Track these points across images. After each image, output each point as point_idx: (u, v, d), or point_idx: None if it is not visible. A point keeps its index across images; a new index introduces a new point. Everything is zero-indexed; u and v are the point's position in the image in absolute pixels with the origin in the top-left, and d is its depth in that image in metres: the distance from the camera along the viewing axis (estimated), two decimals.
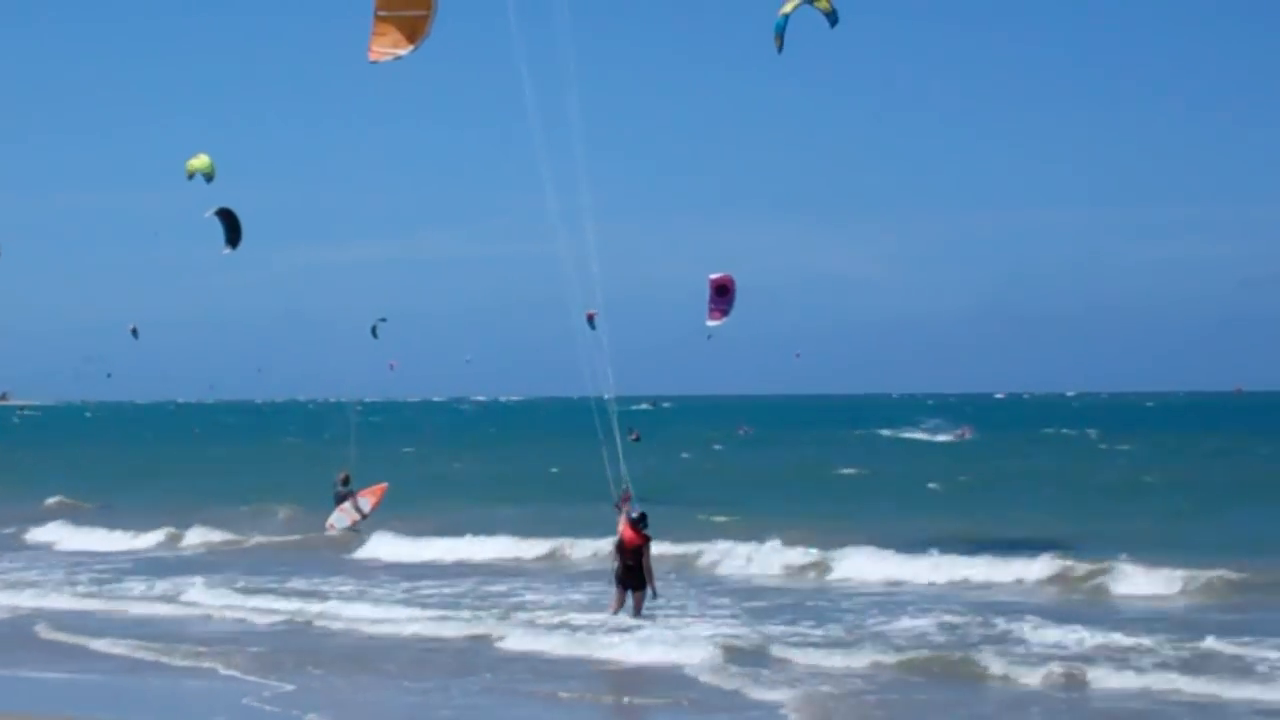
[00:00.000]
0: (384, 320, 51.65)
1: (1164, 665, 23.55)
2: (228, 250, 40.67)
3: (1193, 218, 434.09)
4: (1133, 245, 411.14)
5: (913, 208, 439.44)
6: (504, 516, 47.79)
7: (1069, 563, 34.07)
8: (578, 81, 26.56)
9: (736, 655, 25.07)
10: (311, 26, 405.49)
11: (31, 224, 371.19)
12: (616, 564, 29.55)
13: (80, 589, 35.12)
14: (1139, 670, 23.15)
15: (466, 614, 30.33)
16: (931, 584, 33.65)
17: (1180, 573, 32.30)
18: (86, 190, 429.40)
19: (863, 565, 35.51)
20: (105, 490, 63.09)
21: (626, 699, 23.15)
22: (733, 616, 29.36)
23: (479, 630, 28.44)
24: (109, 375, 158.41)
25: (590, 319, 35.83)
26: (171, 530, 46.05)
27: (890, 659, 24.31)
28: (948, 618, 28.21)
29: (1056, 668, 23.04)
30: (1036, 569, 34.01)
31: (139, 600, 33.46)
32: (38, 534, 47.64)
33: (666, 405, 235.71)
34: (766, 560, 36.99)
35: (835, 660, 24.52)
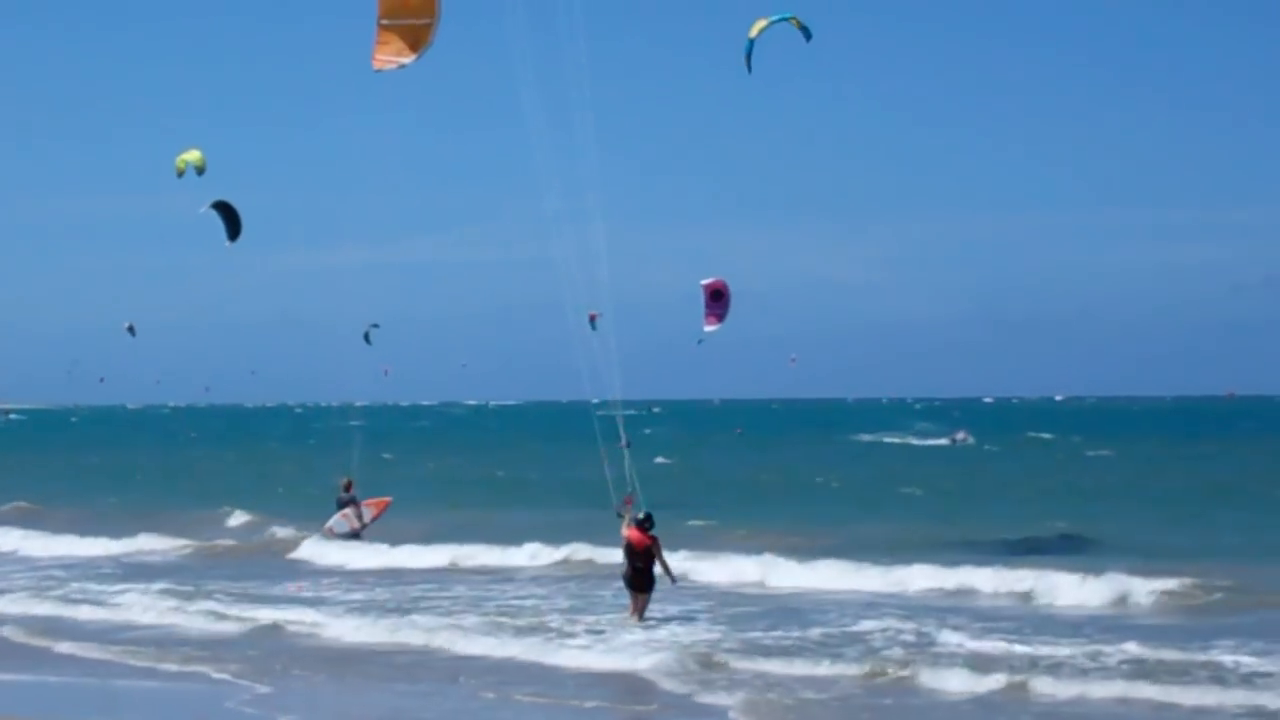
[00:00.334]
0: (377, 326, 51.83)
1: (1101, 672, 23.66)
2: (229, 243, 40.75)
3: (1185, 222, 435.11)
4: (1125, 249, 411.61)
5: (904, 212, 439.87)
6: (463, 520, 48.24)
7: (1022, 572, 33.86)
8: (588, 84, 26.78)
9: (691, 661, 25.06)
10: (304, 32, 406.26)
11: (24, 227, 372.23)
12: (625, 568, 29.81)
13: (27, 594, 34.97)
14: (1080, 678, 23.19)
15: (420, 619, 30.20)
16: (896, 593, 33.37)
17: (1140, 580, 32.14)
18: (79, 194, 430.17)
19: (834, 573, 35.32)
20: (72, 495, 63.26)
21: (576, 703, 23.08)
22: (690, 622, 29.25)
23: (430, 637, 28.31)
24: (101, 380, 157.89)
25: (592, 320, 36.01)
26: (125, 536, 45.83)
27: (843, 669, 24.31)
28: (907, 625, 28.16)
29: (1001, 677, 23.10)
30: (993, 578, 33.79)
31: (80, 605, 33.31)
32: None
33: (657, 410, 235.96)
34: (737, 567, 36.69)
35: (792, 669, 24.56)
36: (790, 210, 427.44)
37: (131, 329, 60.83)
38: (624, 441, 30.39)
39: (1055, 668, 24.02)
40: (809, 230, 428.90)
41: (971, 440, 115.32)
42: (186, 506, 56.00)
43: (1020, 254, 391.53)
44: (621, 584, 30.01)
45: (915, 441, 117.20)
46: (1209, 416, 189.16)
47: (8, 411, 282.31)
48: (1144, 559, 36.19)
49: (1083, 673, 23.65)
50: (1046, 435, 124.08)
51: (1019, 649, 25.54)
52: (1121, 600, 31.54)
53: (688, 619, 29.57)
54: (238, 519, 51.90)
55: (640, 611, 29.39)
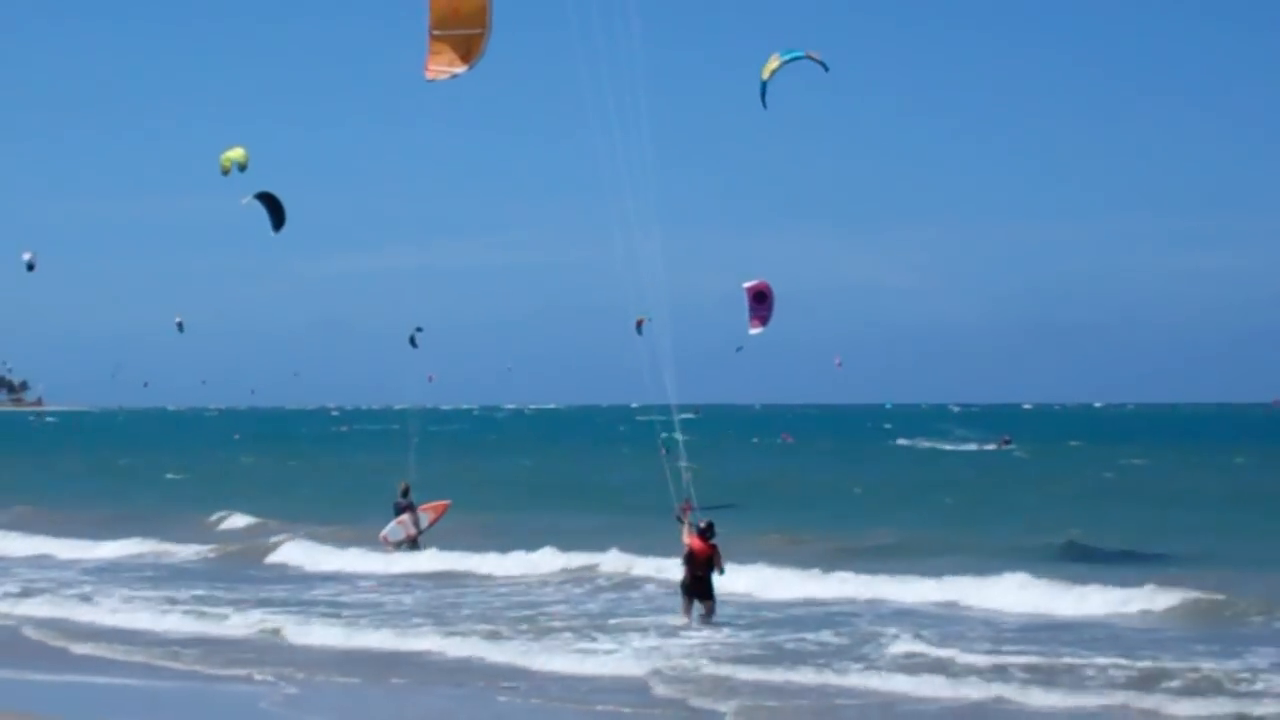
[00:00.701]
0: (420, 330, 52.03)
1: (1084, 682, 23.62)
2: (275, 233, 40.93)
3: (1229, 228, 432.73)
4: (1166, 255, 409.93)
5: (944, 218, 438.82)
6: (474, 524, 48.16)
7: (1024, 578, 33.38)
8: (645, 89, 26.92)
9: (686, 668, 25.12)
10: (350, 35, 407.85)
11: (68, 230, 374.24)
12: (685, 574, 30.02)
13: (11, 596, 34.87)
14: (1063, 688, 23.07)
15: (409, 623, 30.32)
16: (891, 600, 33.19)
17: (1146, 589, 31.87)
18: (122, 197, 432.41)
19: (843, 584, 34.88)
20: (81, 497, 63.91)
21: (572, 705, 23.16)
22: (697, 630, 29.06)
23: (422, 640, 28.38)
24: (146, 384, 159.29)
25: (639, 325, 36.26)
26: (114, 539, 45.91)
27: (832, 679, 24.25)
28: (905, 634, 27.84)
29: (989, 687, 23.11)
30: (999, 587, 33.53)
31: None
32: None
33: (693, 415, 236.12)
34: (749, 577, 35.71)
35: (783, 676, 24.50)
36: (829, 216, 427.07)
37: (181, 325, 61.28)
38: (664, 450, 30.63)
39: (1045, 677, 23.93)
40: (847, 236, 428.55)
41: (1013, 446, 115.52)
42: (188, 509, 56.19)
43: (1061, 259, 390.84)
44: (636, 587, 30.73)
45: (961, 447, 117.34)
46: (1249, 424, 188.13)
47: (43, 414, 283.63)
48: (1150, 568, 36.18)
49: (1070, 683, 23.50)
50: (1074, 443, 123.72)
51: (1017, 659, 25.35)
52: (1119, 609, 31.30)
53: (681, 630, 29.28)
54: (236, 522, 51.85)
55: (709, 614, 29.57)
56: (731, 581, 32.15)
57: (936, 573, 34.81)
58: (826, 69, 34.25)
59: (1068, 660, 25.18)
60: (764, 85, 34.05)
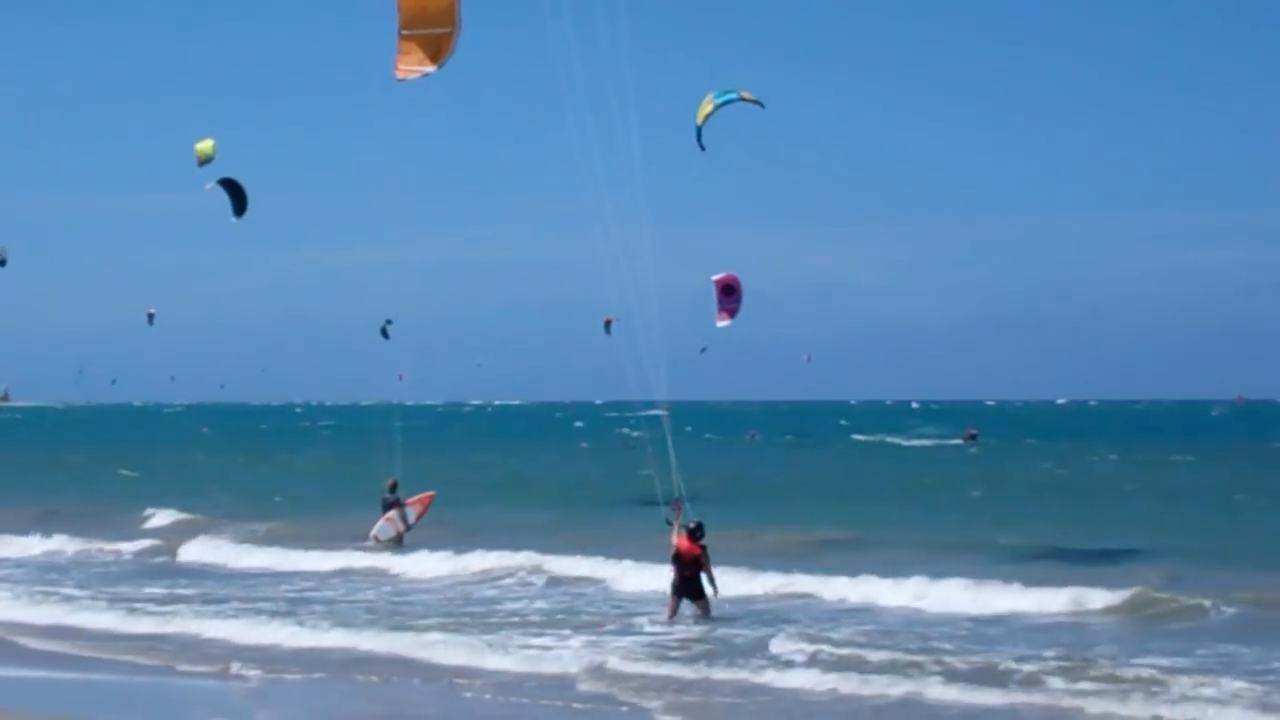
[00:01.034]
0: (390, 322, 52.11)
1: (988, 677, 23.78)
2: (236, 219, 40.98)
3: (1195, 225, 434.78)
4: (1134, 252, 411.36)
5: (911, 213, 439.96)
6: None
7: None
8: (630, 87, 27.07)
9: (615, 666, 25.13)
10: (316, 34, 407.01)
11: (33, 226, 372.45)
12: (674, 575, 30.09)
13: None
14: (975, 686, 23.10)
15: (345, 621, 30.33)
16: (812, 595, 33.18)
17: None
18: (93, 192, 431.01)
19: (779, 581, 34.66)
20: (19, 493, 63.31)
21: (504, 698, 23.34)
22: (619, 631, 28.97)
23: (355, 637, 28.42)
24: (113, 381, 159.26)
25: (607, 325, 36.47)
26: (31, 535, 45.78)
27: (755, 676, 24.33)
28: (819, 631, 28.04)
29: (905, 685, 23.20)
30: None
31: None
32: None
33: (660, 413, 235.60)
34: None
35: (717, 674, 24.64)
36: (793, 213, 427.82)
37: (151, 316, 61.30)
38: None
39: (950, 673, 24.08)
40: (810, 233, 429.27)
41: (976, 439, 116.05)
42: (125, 505, 55.93)
43: (1026, 257, 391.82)
44: (596, 588, 30.55)
45: (914, 442, 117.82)
46: (1208, 420, 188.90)
47: (3, 409, 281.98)
48: (1079, 564, 36.62)
49: (983, 682, 23.60)
50: (1030, 440, 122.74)
51: (938, 657, 25.41)
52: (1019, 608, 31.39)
53: (623, 631, 29.21)
54: (161, 519, 51.45)
55: (705, 612, 29.56)
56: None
57: (867, 569, 34.76)
58: (762, 106, 34.49)
59: (986, 657, 25.35)
60: (699, 130, 34.30)
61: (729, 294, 38.52)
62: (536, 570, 37.39)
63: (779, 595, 33.28)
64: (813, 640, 26.93)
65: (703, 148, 34.38)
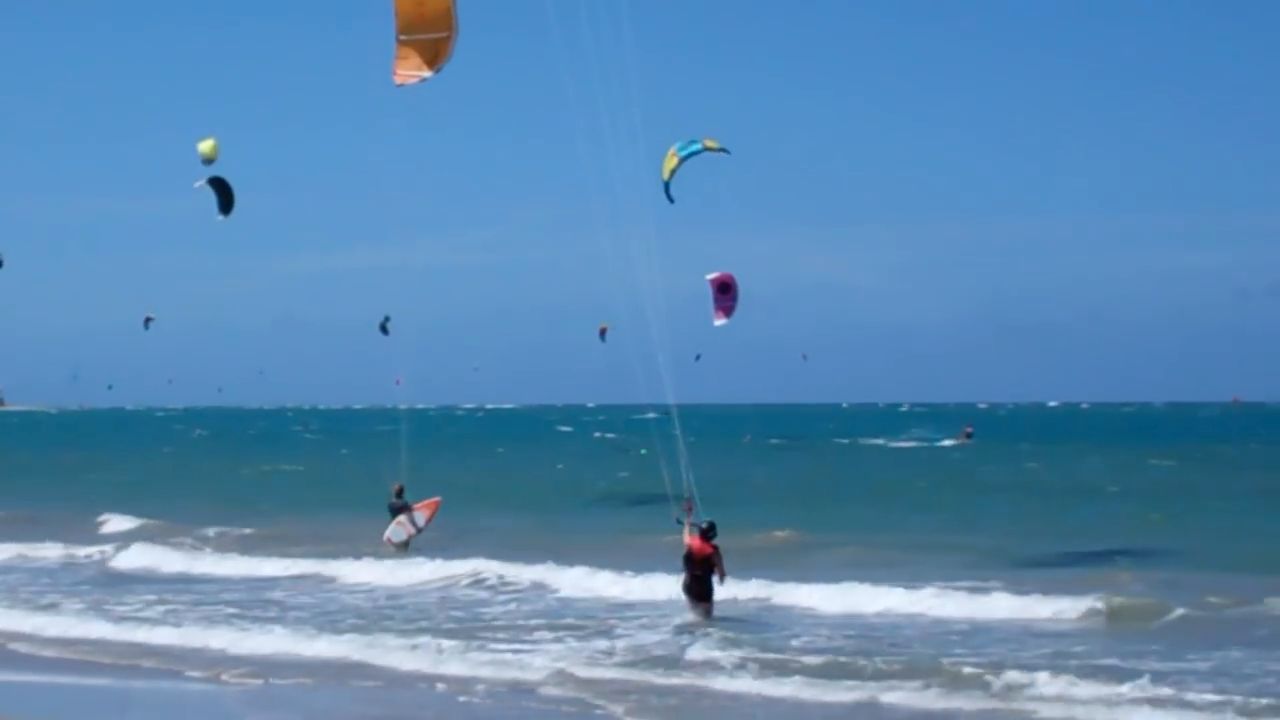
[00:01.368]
0: (389, 319, 52.05)
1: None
2: (221, 217, 41.10)
3: (1189, 227, 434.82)
4: (1129, 255, 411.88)
5: (904, 216, 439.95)
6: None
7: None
8: (638, 96, 27.15)
9: (578, 671, 25.16)
10: (315, 37, 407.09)
11: (37, 228, 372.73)
12: (685, 575, 30.05)
13: None
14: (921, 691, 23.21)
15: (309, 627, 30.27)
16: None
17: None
18: (89, 195, 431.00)
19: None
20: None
21: (463, 698, 23.48)
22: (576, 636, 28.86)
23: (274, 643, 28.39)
24: (110, 387, 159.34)
25: (602, 333, 36.48)
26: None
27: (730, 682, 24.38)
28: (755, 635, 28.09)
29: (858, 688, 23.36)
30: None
31: None
32: None
33: (651, 415, 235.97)
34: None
35: (686, 681, 24.68)
36: (789, 214, 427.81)
37: (148, 321, 61.27)
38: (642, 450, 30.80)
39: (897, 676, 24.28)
40: (803, 235, 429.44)
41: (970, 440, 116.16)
42: (81, 510, 55.92)
43: (1021, 260, 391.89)
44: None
45: (911, 444, 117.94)
46: (1202, 423, 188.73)
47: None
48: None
49: (946, 686, 23.65)
50: (1019, 444, 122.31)
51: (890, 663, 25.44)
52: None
53: (578, 635, 29.07)
54: (118, 525, 51.44)
55: (707, 614, 29.56)
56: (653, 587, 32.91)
57: (814, 575, 34.83)
58: (728, 153, 34.69)
59: (943, 661, 25.44)
60: (666, 184, 34.46)
61: (725, 292, 38.46)
62: (483, 576, 37.26)
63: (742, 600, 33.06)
64: (768, 648, 26.99)
65: (671, 200, 34.56)
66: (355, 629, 29.79)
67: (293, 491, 69.26)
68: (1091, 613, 30.56)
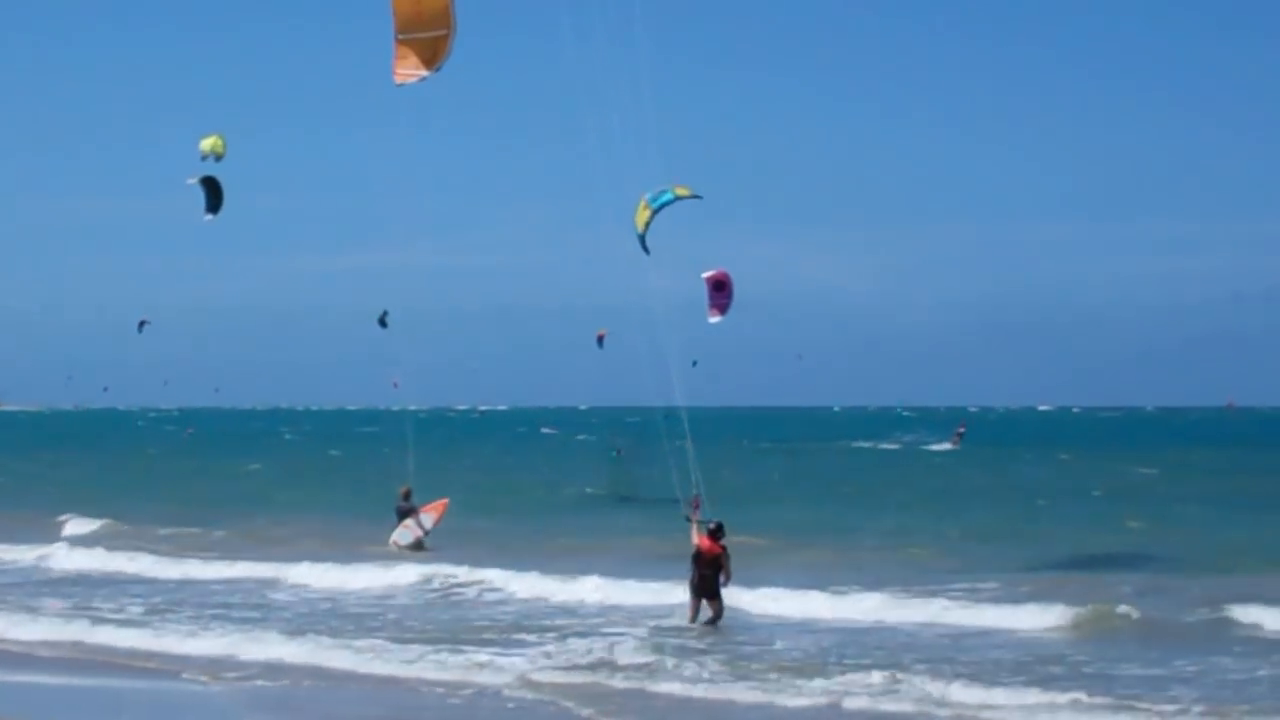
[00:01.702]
0: (388, 312, 52.04)
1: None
2: (208, 217, 41.22)
3: (1184, 232, 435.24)
4: (1122, 258, 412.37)
5: (896, 219, 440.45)
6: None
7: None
8: (653, 101, 27.25)
9: (531, 674, 25.08)
10: (308, 39, 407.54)
11: (31, 230, 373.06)
12: (693, 574, 30.18)
13: None
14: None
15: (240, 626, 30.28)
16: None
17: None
18: (85, 196, 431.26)
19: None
20: None
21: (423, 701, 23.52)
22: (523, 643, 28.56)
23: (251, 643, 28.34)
24: (105, 389, 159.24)
25: (600, 339, 36.56)
26: None
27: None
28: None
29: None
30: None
31: None
32: None
33: (633, 419, 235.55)
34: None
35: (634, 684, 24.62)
36: (783, 217, 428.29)
37: (143, 324, 61.36)
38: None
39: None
40: (793, 238, 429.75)
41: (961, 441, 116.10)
42: (45, 511, 55.70)
43: (1013, 263, 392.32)
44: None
45: (895, 447, 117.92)
46: (1194, 427, 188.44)
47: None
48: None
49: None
50: (999, 448, 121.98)
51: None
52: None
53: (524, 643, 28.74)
54: (76, 527, 50.99)
55: (716, 616, 29.67)
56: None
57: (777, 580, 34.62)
58: (700, 198, 34.86)
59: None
60: (641, 236, 34.59)
61: (720, 290, 38.58)
62: (433, 579, 37.20)
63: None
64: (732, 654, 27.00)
65: (647, 252, 34.70)
66: (295, 631, 29.64)
67: (262, 492, 69.13)
68: (1060, 620, 30.55)
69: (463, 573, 37.62)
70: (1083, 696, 22.95)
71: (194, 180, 40.84)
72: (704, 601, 29.96)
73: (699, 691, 24.10)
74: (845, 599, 32.92)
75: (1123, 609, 30.95)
